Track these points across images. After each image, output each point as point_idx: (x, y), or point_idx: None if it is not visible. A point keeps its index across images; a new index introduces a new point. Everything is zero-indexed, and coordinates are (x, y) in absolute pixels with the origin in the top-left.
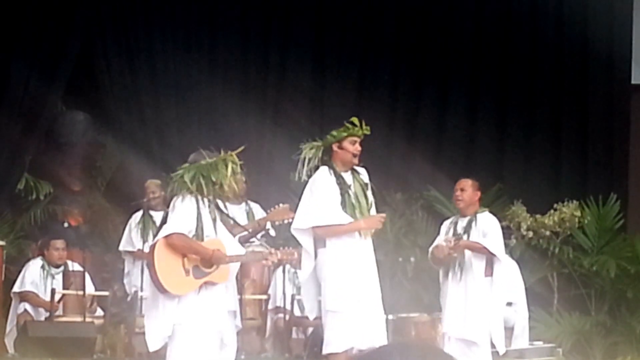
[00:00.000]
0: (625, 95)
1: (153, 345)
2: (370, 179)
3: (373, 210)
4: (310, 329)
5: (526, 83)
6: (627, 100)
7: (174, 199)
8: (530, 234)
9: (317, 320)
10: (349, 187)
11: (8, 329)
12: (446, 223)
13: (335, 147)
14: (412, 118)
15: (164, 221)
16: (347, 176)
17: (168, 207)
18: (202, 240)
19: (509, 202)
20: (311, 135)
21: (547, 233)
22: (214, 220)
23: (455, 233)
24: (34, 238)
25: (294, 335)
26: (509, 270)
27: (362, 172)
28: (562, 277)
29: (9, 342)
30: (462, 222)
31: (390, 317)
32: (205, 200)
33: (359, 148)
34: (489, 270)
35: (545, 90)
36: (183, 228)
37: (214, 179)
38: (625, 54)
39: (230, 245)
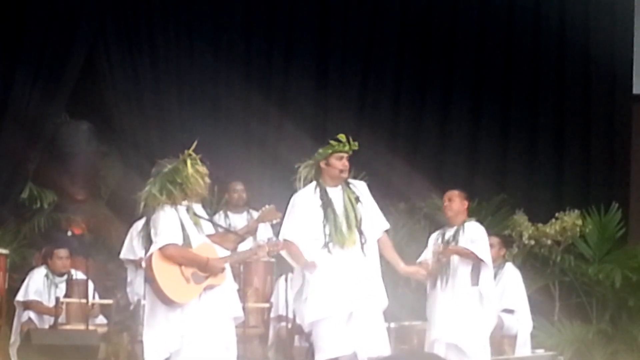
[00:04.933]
0: (626, 105)
1: None
2: (370, 192)
3: (363, 225)
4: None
5: (528, 93)
6: (629, 110)
7: (155, 213)
8: (532, 242)
9: None
10: (333, 202)
11: (13, 339)
12: (434, 235)
13: (322, 164)
14: (415, 127)
15: (147, 235)
16: (336, 191)
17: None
18: (191, 247)
19: (511, 211)
20: (314, 144)
21: (549, 242)
22: (197, 225)
23: (443, 241)
24: (37, 246)
25: (296, 343)
26: (509, 278)
27: (358, 185)
28: (563, 285)
29: (14, 350)
30: (450, 231)
31: (393, 325)
32: (183, 208)
33: (346, 164)
34: (476, 278)
35: (547, 100)
36: (175, 239)
37: (180, 181)
38: (627, 64)
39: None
